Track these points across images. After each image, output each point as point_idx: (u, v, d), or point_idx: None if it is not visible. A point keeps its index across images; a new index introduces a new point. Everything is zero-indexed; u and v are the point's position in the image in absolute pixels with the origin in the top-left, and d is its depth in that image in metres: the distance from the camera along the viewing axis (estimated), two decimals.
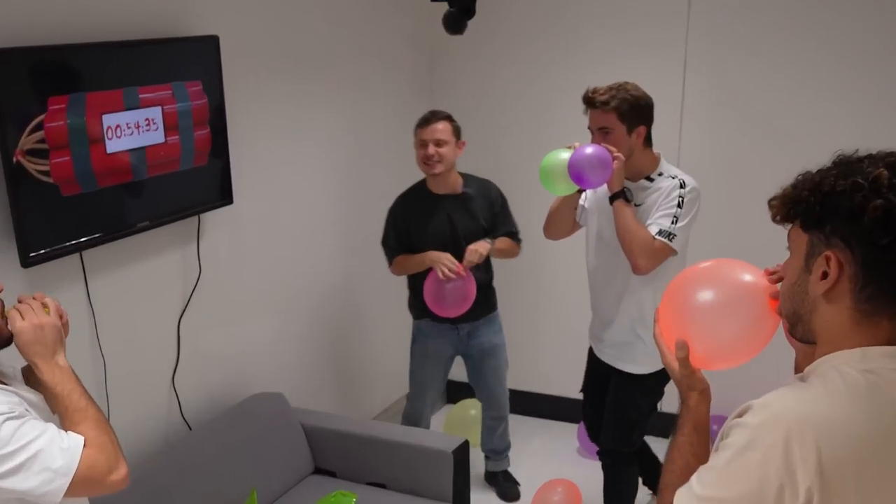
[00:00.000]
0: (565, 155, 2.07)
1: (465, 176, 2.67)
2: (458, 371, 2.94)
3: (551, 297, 3.30)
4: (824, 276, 0.76)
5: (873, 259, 0.73)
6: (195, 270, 2.22)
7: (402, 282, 2.80)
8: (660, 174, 2.18)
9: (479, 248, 2.49)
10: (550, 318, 3.32)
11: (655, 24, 2.91)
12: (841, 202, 0.74)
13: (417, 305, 2.68)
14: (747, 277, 0.98)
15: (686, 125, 2.95)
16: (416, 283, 2.63)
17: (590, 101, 2.11)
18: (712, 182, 2.50)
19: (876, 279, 0.73)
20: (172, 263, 2.19)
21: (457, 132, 2.59)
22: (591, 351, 2.46)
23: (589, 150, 2.03)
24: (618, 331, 2.27)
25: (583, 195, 2.32)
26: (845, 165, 0.77)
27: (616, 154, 2.04)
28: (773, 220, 0.84)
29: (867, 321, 0.75)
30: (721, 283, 1.02)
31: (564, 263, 2.99)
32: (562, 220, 2.36)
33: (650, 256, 2.05)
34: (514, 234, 2.68)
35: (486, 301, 2.68)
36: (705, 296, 1.00)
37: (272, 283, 2.59)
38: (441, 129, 2.52)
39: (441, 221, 2.61)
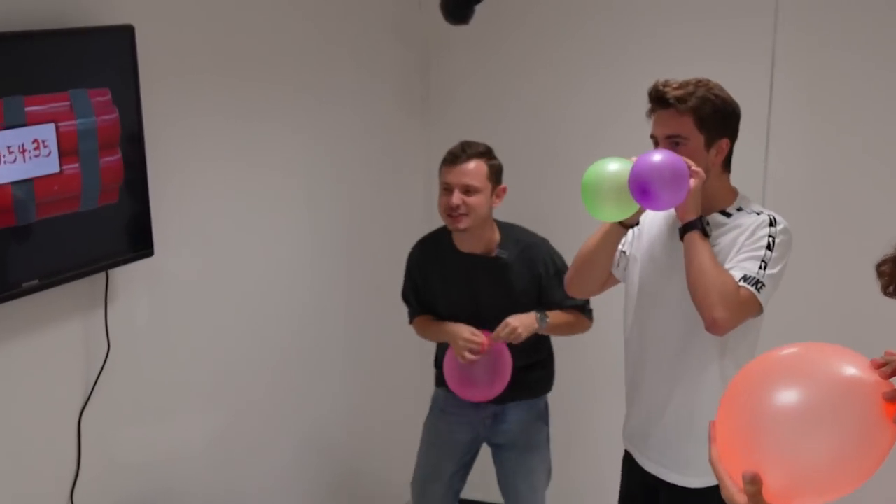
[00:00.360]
0: (619, 165, 1.79)
1: (505, 229, 2.41)
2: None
3: (583, 382, 2.95)
4: None
5: None
6: (102, 346, 1.99)
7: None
8: (738, 209, 1.89)
9: (518, 325, 2.24)
10: (582, 411, 3.00)
11: (731, 14, 2.59)
12: None
13: (440, 368, 2.49)
14: (850, 371, 0.84)
15: (774, 148, 2.59)
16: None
17: (659, 97, 1.82)
18: (805, 228, 2.12)
19: None
20: (71, 337, 1.98)
21: (495, 175, 2.32)
22: (627, 459, 2.13)
23: (658, 156, 1.74)
24: (672, 425, 1.92)
25: (624, 239, 2.00)
26: None
27: (695, 168, 1.75)
28: (884, 291, 0.80)
29: None
30: (811, 379, 0.86)
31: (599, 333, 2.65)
32: (596, 266, 2.02)
33: (734, 309, 1.74)
34: (578, 307, 2.40)
35: (525, 382, 2.40)
36: (787, 400, 0.84)
37: (210, 364, 2.33)
38: (472, 170, 2.26)
39: (461, 290, 2.40)
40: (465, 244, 2.39)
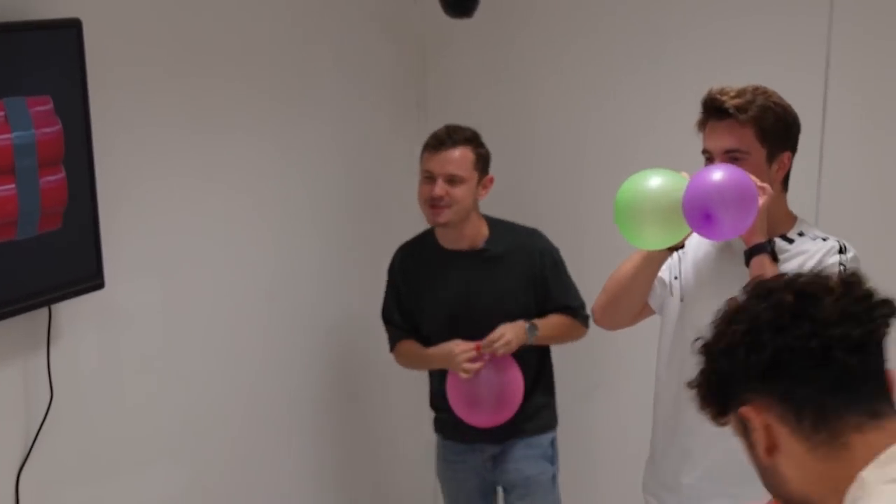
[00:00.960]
0: (664, 181, 1.56)
1: (493, 223, 2.28)
2: None
3: (606, 420, 2.80)
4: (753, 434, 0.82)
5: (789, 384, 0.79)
6: (44, 393, 1.81)
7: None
8: (800, 234, 1.73)
9: (506, 334, 2.10)
10: (605, 449, 2.81)
11: (780, 11, 2.35)
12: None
13: (437, 410, 2.37)
14: None
15: (828, 162, 2.33)
16: (435, 374, 2.33)
17: (716, 106, 1.63)
18: (862, 249, 1.86)
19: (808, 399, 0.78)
20: (7, 383, 1.80)
21: (482, 163, 2.21)
22: None
23: (721, 174, 1.53)
24: (714, 470, 1.75)
25: (669, 261, 1.79)
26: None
27: (761, 184, 1.57)
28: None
29: (833, 450, 0.78)
30: None
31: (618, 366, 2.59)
32: (633, 295, 1.83)
33: None
34: (572, 309, 2.26)
35: (525, 412, 2.24)
36: None
37: (169, 413, 2.13)
38: (457, 158, 2.14)
39: (448, 291, 2.25)
40: (450, 240, 2.26)
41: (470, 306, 2.23)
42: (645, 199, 1.56)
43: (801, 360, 0.76)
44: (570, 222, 2.50)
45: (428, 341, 2.25)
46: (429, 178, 2.17)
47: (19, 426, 1.81)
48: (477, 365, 2.09)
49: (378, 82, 2.82)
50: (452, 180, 2.14)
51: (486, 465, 2.37)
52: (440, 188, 2.14)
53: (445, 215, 2.16)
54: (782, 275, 1.05)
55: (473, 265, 2.25)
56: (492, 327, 2.11)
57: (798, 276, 0.86)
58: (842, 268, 1.65)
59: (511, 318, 2.15)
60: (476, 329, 2.15)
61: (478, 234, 2.26)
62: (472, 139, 2.20)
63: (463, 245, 2.25)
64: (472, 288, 2.25)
